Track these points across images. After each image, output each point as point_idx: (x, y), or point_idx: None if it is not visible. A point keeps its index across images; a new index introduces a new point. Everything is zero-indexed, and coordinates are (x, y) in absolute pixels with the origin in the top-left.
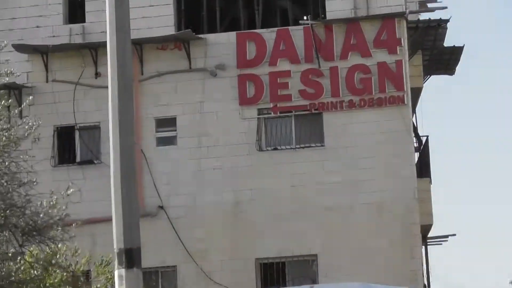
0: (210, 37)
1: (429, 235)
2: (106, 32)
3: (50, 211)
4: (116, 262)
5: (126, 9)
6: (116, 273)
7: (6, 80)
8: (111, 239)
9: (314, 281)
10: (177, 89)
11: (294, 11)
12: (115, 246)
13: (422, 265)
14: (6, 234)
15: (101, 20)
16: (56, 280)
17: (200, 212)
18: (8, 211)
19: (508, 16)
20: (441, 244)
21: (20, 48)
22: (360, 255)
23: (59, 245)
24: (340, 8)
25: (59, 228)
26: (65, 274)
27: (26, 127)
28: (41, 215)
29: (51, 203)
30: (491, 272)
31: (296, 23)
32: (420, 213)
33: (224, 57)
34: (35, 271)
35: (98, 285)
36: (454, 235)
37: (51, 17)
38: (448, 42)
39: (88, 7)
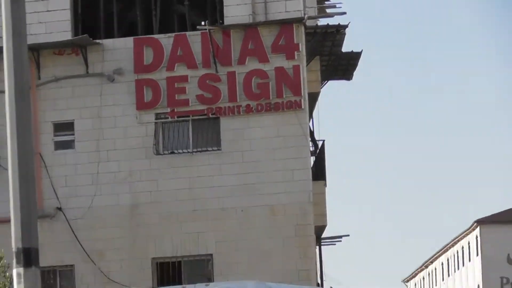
0: (107, 42)
1: (323, 235)
2: (1, 36)
3: None
4: (14, 261)
5: (22, 13)
6: (14, 271)
7: None
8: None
9: (210, 279)
10: (75, 93)
11: (192, 16)
12: (13, 246)
13: (316, 265)
14: None
15: None
16: None
17: (98, 214)
18: None
19: (405, 22)
20: (334, 244)
21: None
22: (255, 255)
23: None
24: (239, 14)
25: None
26: None
27: None
28: None
29: None
30: (384, 271)
31: (194, 28)
32: (315, 215)
33: (122, 62)
34: None
35: None
36: (347, 235)
37: None
38: (346, 47)
39: None
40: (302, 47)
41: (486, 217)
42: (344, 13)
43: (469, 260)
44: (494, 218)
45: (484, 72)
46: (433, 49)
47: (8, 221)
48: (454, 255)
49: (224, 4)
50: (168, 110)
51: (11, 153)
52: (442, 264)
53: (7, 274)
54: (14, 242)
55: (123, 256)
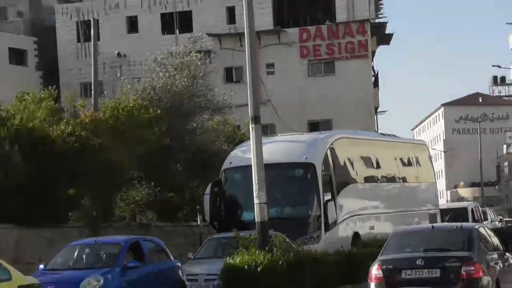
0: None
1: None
2: None
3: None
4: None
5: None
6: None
7: None
8: None
9: None
10: None
11: (315, 14)
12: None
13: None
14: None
15: None
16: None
17: None
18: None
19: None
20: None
21: None
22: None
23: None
24: (342, 14)
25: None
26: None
27: None
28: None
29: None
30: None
31: (314, 23)
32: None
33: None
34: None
35: None
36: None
37: None
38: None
39: None
40: (368, 30)
41: None
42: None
43: None
44: None
45: None
46: None
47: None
48: None
49: (337, 7)
50: None
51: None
52: None
53: None
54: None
55: None
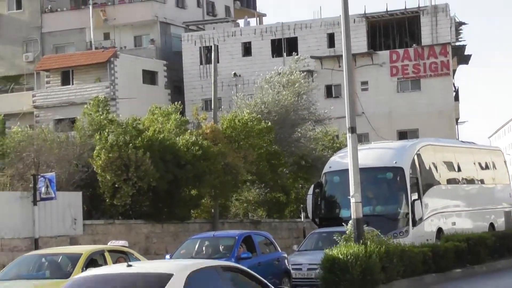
0: None
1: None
2: None
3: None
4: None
5: None
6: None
7: None
8: None
9: None
10: None
11: (404, 38)
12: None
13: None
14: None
15: None
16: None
17: None
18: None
19: None
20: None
21: None
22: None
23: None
24: (427, 38)
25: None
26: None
27: None
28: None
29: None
30: None
31: (406, 45)
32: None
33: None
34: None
35: None
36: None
37: None
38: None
39: None
40: (450, 51)
41: None
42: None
43: None
44: None
45: None
46: None
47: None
48: None
49: (422, 32)
50: None
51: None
52: None
53: None
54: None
55: None
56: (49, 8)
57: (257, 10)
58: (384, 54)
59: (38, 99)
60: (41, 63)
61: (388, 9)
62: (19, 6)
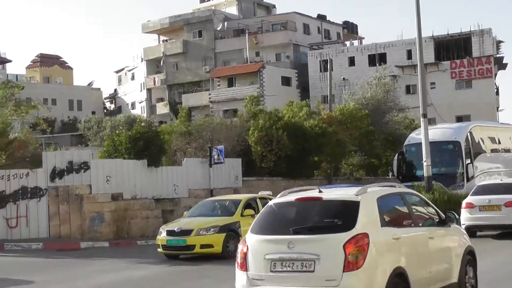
0: None
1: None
2: None
3: None
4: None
5: None
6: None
7: None
8: None
9: None
10: None
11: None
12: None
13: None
14: None
15: None
16: None
17: None
18: None
19: None
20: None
21: None
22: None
23: None
24: (477, 51)
25: None
26: None
27: None
28: None
29: None
30: None
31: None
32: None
33: None
34: None
35: None
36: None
37: None
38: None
39: None
40: (492, 61)
41: None
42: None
43: None
44: None
45: None
46: None
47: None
48: None
49: (473, 48)
50: None
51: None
52: None
53: None
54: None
55: None
56: (219, 36)
57: (359, 34)
58: (446, 64)
59: (212, 97)
60: (214, 72)
61: (449, 32)
62: (200, 35)
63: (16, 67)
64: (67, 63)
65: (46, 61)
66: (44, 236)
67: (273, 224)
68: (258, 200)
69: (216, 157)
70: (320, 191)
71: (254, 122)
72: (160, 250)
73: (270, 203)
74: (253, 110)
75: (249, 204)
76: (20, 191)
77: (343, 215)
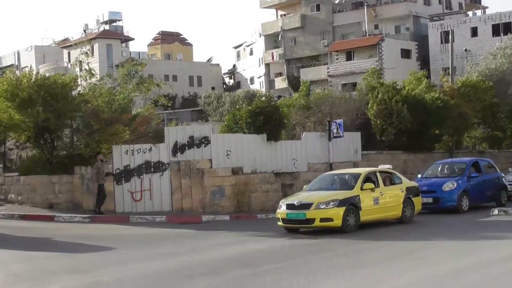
0: None
1: None
2: None
3: None
4: None
5: None
6: None
7: None
8: None
9: None
10: None
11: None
12: None
13: None
14: None
15: None
16: None
17: None
18: None
19: None
20: None
21: None
22: None
23: None
24: None
25: None
26: None
27: None
28: None
29: None
30: None
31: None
32: None
33: None
34: None
35: None
36: None
37: None
38: None
39: None
40: None
41: None
42: None
43: None
44: None
45: None
46: None
47: None
48: None
49: None
50: None
51: None
52: None
53: None
54: None
55: None
56: (337, 9)
57: (482, 3)
58: None
59: (330, 71)
60: (332, 46)
61: None
62: (318, 9)
63: (138, 45)
64: (187, 39)
65: (167, 38)
66: (167, 209)
67: None
68: (378, 174)
69: (335, 131)
70: None
71: (373, 95)
72: (280, 223)
73: None
74: (371, 83)
75: (368, 178)
76: (143, 166)
77: None
